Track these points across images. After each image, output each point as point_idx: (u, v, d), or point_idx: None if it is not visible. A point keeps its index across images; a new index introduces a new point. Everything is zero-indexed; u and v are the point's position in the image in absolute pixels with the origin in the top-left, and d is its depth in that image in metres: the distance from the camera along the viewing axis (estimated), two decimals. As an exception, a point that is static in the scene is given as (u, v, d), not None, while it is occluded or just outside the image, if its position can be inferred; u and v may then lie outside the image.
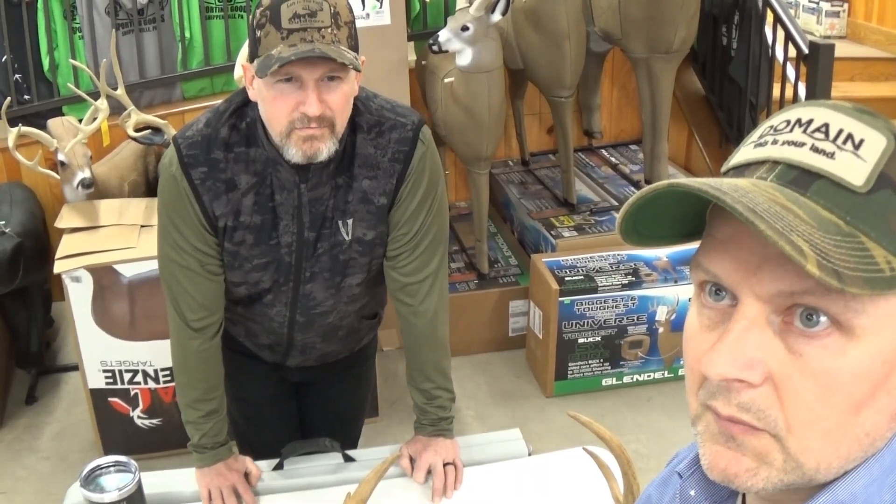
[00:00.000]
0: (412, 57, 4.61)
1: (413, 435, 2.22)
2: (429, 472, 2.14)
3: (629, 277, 4.00)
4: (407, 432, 2.26)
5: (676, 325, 4.02)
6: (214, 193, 1.93)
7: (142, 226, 3.59)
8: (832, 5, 5.70)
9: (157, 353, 3.50)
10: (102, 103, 3.75)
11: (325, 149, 1.84)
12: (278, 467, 2.22)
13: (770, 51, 4.33)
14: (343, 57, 1.74)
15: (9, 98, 4.27)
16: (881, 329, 0.70)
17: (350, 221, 2.00)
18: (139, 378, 3.56)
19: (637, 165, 5.10)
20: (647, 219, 0.79)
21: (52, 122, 3.91)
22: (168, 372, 3.52)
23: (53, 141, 3.73)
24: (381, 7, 3.93)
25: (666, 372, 4.13)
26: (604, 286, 3.96)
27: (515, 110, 5.01)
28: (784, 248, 0.64)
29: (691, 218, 0.79)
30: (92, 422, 3.64)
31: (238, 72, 3.49)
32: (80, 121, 3.84)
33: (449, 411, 2.21)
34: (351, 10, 1.84)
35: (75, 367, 3.76)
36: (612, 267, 4.08)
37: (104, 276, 3.41)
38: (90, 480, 1.92)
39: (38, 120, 4.26)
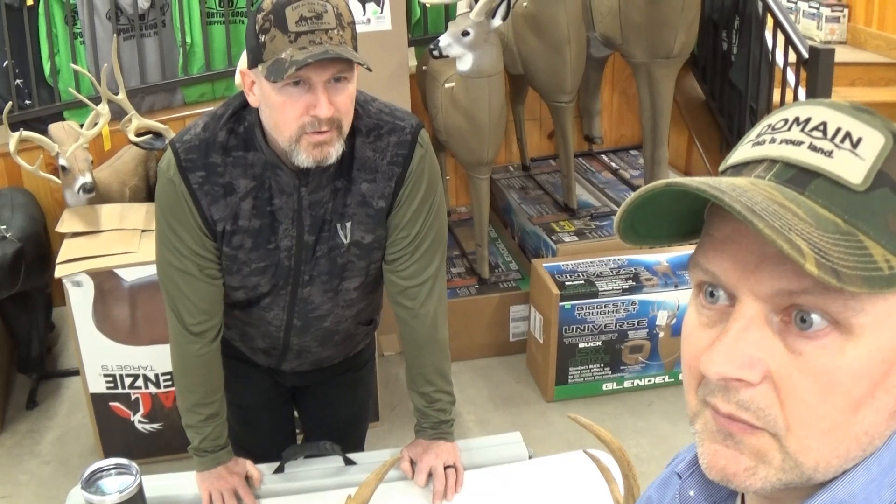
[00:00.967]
0: (413, 62, 4.61)
1: (414, 438, 2.22)
2: (429, 475, 2.14)
3: (630, 282, 4.00)
4: (408, 437, 2.26)
5: (677, 330, 4.02)
6: (213, 197, 1.93)
7: (143, 230, 3.60)
8: (832, 10, 5.70)
9: (157, 358, 3.50)
10: (104, 108, 3.76)
11: (334, 152, 1.84)
12: (279, 470, 2.22)
13: (770, 56, 4.33)
14: (353, 56, 1.75)
15: (10, 103, 4.27)
16: (880, 328, 0.70)
17: (349, 225, 2.00)
18: (140, 382, 3.56)
19: (637, 170, 5.10)
20: (645, 218, 0.79)
21: (54, 127, 3.92)
22: (169, 376, 3.52)
23: (55, 145, 3.73)
24: (381, 12, 3.94)
25: (666, 377, 4.13)
26: (604, 291, 3.96)
27: (516, 115, 5.01)
28: (782, 246, 0.64)
29: (689, 217, 0.79)
30: (93, 426, 3.64)
31: (239, 79, 3.50)
32: (82, 126, 3.85)
33: (449, 414, 2.21)
34: (350, 11, 1.84)
35: (76, 372, 3.77)
36: (612, 272, 4.08)
37: (105, 281, 3.41)
38: (91, 483, 1.92)
39: (40, 125, 4.27)
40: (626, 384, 4.14)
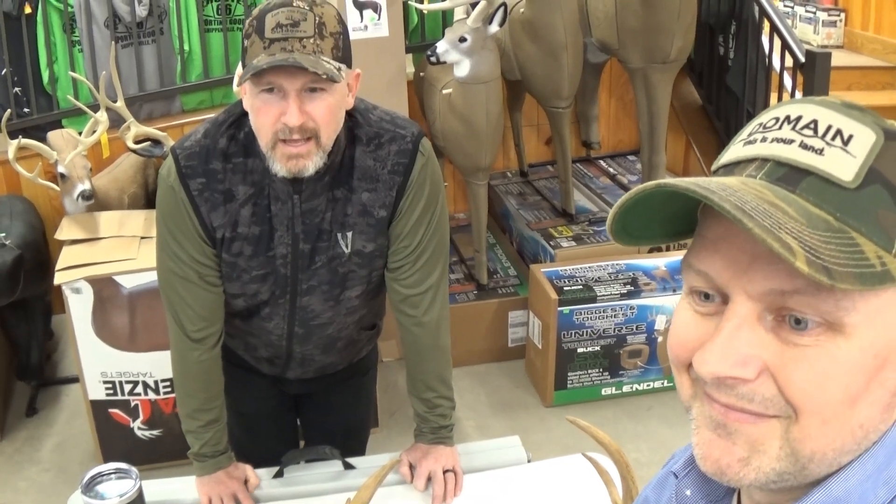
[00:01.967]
0: (410, 69, 4.62)
1: (413, 443, 2.23)
2: (429, 479, 2.14)
3: (628, 287, 4.01)
4: (407, 443, 2.26)
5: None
6: (212, 204, 1.93)
7: (142, 237, 3.60)
8: (829, 15, 5.72)
9: (157, 365, 3.50)
10: (102, 115, 3.77)
11: (312, 164, 1.83)
12: (279, 475, 2.22)
13: (767, 60, 4.34)
14: (318, 67, 1.72)
15: (8, 111, 4.29)
16: (872, 325, 0.70)
17: (349, 234, 1.99)
18: (139, 389, 3.56)
19: (635, 176, 5.11)
20: (637, 219, 0.79)
21: (52, 135, 3.93)
22: (168, 383, 3.53)
23: (53, 153, 3.74)
24: (379, 19, 3.95)
25: (665, 381, 4.13)
26: (602, 296, 3.97)
27: (513, 121, 5.02)
28: (773, 245, 0.64)
29: (682, 217, 0.79)
30: (92, 433, 3.64)
31: (237, 84, 3.51)
32: (80, 133, 3.86)
33: (449, 419, 2.21)
34: (340, 22, 1.82)
35: (76, 379, 3.77)
36: (610, 276, 4.08)
37: (104, 288, 3.42)
38: (91, 487, 1.92)
39: (38, 133, 4.27)
40: (625, 389, 4.15)
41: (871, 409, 0.72)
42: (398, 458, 2.18)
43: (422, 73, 4.39)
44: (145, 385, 3.56)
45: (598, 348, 4.04)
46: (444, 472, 2.14)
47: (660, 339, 4.05)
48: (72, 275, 3.39)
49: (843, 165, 0.70)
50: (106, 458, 3.57)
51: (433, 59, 3.81)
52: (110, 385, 3.54)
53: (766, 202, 0.68)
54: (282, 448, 2.28)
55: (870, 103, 4.44)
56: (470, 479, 2.18)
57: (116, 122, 3.89)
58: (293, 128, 1.77)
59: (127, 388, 3.55)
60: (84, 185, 3.70)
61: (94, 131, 3.80)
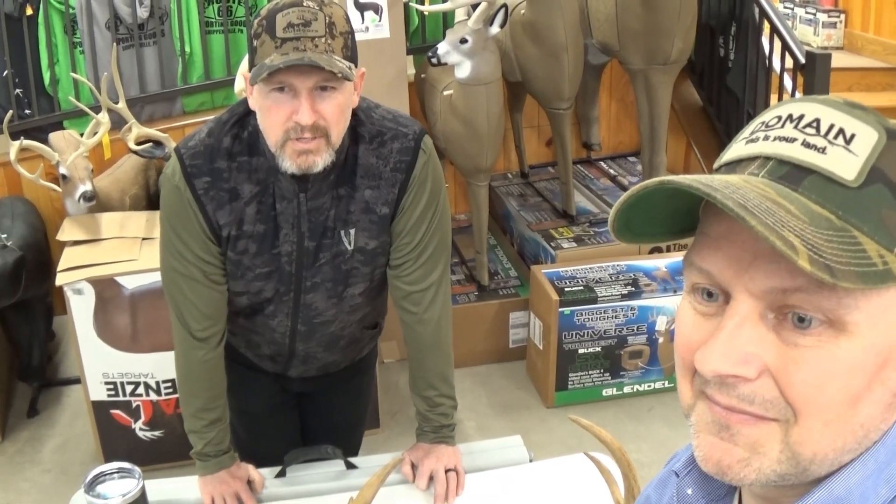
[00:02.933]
0: (411, 70, 4.63)
1: (415, 442, 2.23)
2: (431, 478, 2.15)
3: (629, 288, 4.01)
4: (408, 444, 2.26)
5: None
6: (218, 203, 1.94)
7: (143, 238, 3.61)
8: (829, 16, 5.72)
9: (158, 365, 3.50)
10: (104, 117, 3.77)
11: (321, 161, 1.85)
12: (281, 474, 2.23)
13: (767, 61, 4.35)
14: (333, 66, 1.74)
15: (10, 112, 4.29)
16: (874, 323, 0.70)
17: (352, 231, 2.00)
18: (141, 390, 3.57)
19: (636, 177, 5.12)
20: (639, 217, 0.79)
21: (54, 136, 3.93)
22: (170, 384, 3.53)
23: (55, 154, 3.75)
24: (380, 21, 3.95)
25: (666, 382, 4.14)
26: (603, 297, 3.97)
27: (514, 123, 5.02)
28: (775, 243, 0.64)
29: (684, 214, 0.80)
30: (94, 434, 3.65)
31: (238, 85, 3.52)
32: (82, 135, 3.87)
33: (451, 419, 2.22)
34: (348, 21, 1.84)
35: (77, 380, 3.77)
36: (611, 277, 4.09)
37: (106, 289, 3.42)
38: (93, 487, 1.93)
39: (40, 134, 4.27)
40: (626, 389, 4.15)
41: (873, 408, 0.72)
42: (400, 457, 2.19)
43: (423, 75, 4.39)
44: (147, 386, 3.56)
45: (598, 349, 4.04)
46: (446, 471, 2.14)
47: (660, 339, 4.05)
48: (73, 276, 3.39)
49: (846, 164, 0.70)
50: (107, 459, 3.57)
51: (434, 60, 3.82)
52: (112, 386, 3.54)
53: (768, 200, 0.68)
54: (284, 446, 2.28)
55: (870, 104, 4.46)
56: (472, 478, 2.18)
57: (118, 123, 3.90)
58: (305, 126, 1.79)
59: (128, 388, 3.56)
60: (85, 187, 3.70)
61: (96, 133, 3.80)
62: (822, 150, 0.71)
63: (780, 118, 0.75)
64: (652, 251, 4.32)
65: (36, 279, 3.85)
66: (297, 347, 2.20)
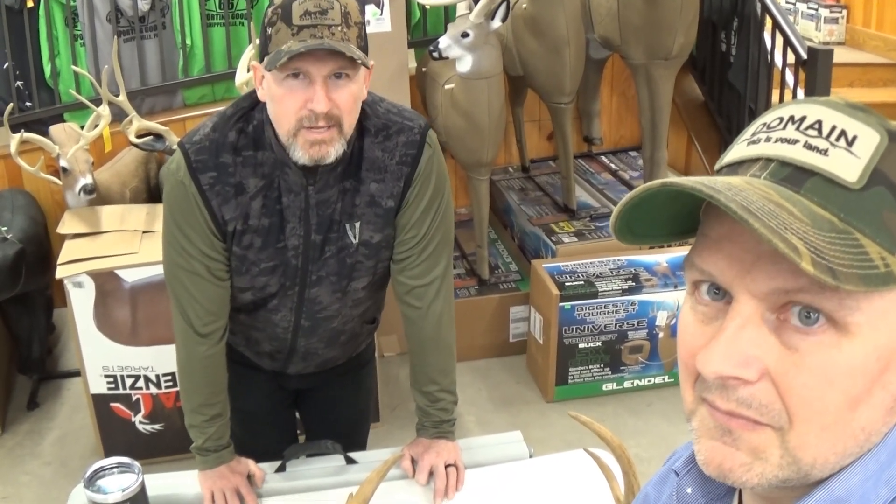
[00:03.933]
0: (412, 64, 4.62)
1: (415, 437, 2.23)
2: (430, 473, 2.15)
3: (629, 282, 4.01)
4: (408, 437, 2.27)
5: (676, 330, 4.03)
6: (223, 198, 1.93)
7: (143, 231, 3.61)
8: (831, 11, 5.72)
9: (158, 359, 3.51)
10: (104, 110, 3.77)
11: (333, 151, 1.85)
12: (281, 469, 2.23)
13: (769, 57, 4.34)
14: (352, 52, 1.75)
15: (11, 105, 4.28)
16: (876, 325, 0.70)
17: (357, 224, 2.00)
18: (141, 383, 3.57)
19: (637, 171, 5.11)
20: (641, 218, 0.79)
21: (54, 129, 3.93)
22: (170, 377, 3.53)
23: (55, 147, 3.74)
24: (381, 14, 3.95)
25: (666, 377, 4.14)
26: (604, 291, 3.97)
27: (515, 117, 5.02)
28: (778, 245, 0.64)
29: (685, 216, 0.79)
30: (94, 427, 3.65)
31: (239, 78, 3.51)
32: (82, 127, 3.87)
33: (451, 414, 2.22)
34: (361, 12, 1.85)
35: (77, 373, 3.78)
36: (612, 272, 4.09)
37: (106, 282, 3.42)
38: (93, 482, 1.93)
39: (40, 127, 4.27)
40: (626, 384, 4.15)
41: (874, 412, 0.72)
42: (400, 452, 2.19)
43: (424, 69, 4.39)
44: (147, 379, 3.56)
45: (599, 344, 4.04)
46: (446, 466, 2.14)
47: (661, 335, 4.06)
48: (73, 269, 3.39)
49: (848, 166, 0.70)
50: (107, 452, 3.58)
51: (435, 54, 3.81)
52: (112, 379, 3.54)
53: (771, 202, 0.68)
54: (282, 444, 2.28)
55: (871, 100, 4.46)
56: (471, 473, 2.18)
57: (118, 116, 3.89)
58: (320, 114, 1.79)
59: (128, 382, 3.56)
60: (86, 179, 3.70)
61: (96, 125, 3.80)
62: (824, 152, 0.71)
63: (781, 119, 0.75)
64: (653, 246, 4.32)
65: (36, 272, 3.85)
66: (299, 343, 2.20)
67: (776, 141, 0.74)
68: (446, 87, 4.03)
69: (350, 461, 2.24)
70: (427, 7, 4.66)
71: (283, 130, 1.84)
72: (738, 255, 0.72)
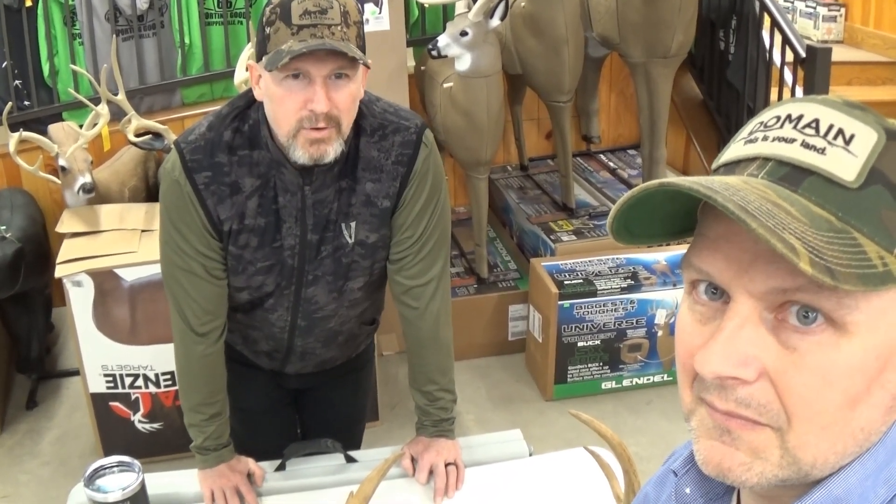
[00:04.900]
0: (411, 62, 4.62)
1: (415, 436, 2.23)
2: (430, 472, 2.15)
3: (628, 281, 4.01)
4: (408, 436, 2.27)
5: (674, 330, 4.03)
6: (219, 197, 1.93)
7: (142, 230, 3.61)
8: (829, 10, 5.71)
9: (158, 358, 3.51)
10: (103, 108, 3.77)
11: (332, 150, 1.84)
12: (280, 468, 2.23)
13: (767, 55, 4.34)
14: (353, 52, 1.75)
15: (9, 104, 4.27)
16: (875, 324, 0.70)
17: (353, 224, 2.00)
18: (140, 382, 3.57)
19: (635, 170, 5.11)
20: (638, 218, 0.79)
21: (53, 128, 3.93)
22: (169, 376, 3.53)
23: (54, 146, 3.74)
24: (380, 13, 3.95)
25: (665, 375, 4.14)
26: (603, 290, 3.97)
27: (514, 115, 5.02)
28: (776, 246, 0.64)
29: (682, 216, 0.79)
30: (93, 426, 3.65)
31: (238, 77, 3.51)
32: (81, 126, 3.86)
33: (451, 413, 2.22)
34: (360, 11, 1.85)
35: (76, 372, 3.77)
36: (611, 270, 4.09)
37: (105, 281, 3.42)
38: (93, 481, 1.93)
39: (39, 126, 4.27)
40: (625, 383, 4.15)
41: (872, 411, 0.72)
42: (400, 451, 2.19)
43: (423, 67, 4.39)
44: (146, 378, 3.56)
45: (598, 342, 4.04)
46: (446, 465, 2.15)
47: (660, 333, 4.06)
48: (72, 268, 3.39)
49: (845, 165, 0.70)
50: (106, 452, 3.58)
51: (434, 52, 3.81)
52: (111, 378, 3.54)
53: (769, 202, 0.68)
54: (281, 443, 2.28)
55: (870, 98, 4.46)
56: (471, 472, 2.19)
57: (117, 115, 3.89)
58: (320, 115, 1.78)
59: (127, 381, 3.56)
60: (85, 178, 3.70)
61: (95, 124, 3.80)
62: (822, 151, 0.71)
63: (778, 118, 0.75)
64: (651, 245, 4.32)
65: (35, 271, 3.84)
66: (296, 343, 2.20)
67: (773, 140, 0.74)
68: (445, 85, 4.03)
69: (350, 460, 2.24)
70: (426, 6, 4.66)
71: (283, 131, 1.84)
72: (736, 255, 0.72)
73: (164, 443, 3.61)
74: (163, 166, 2.01)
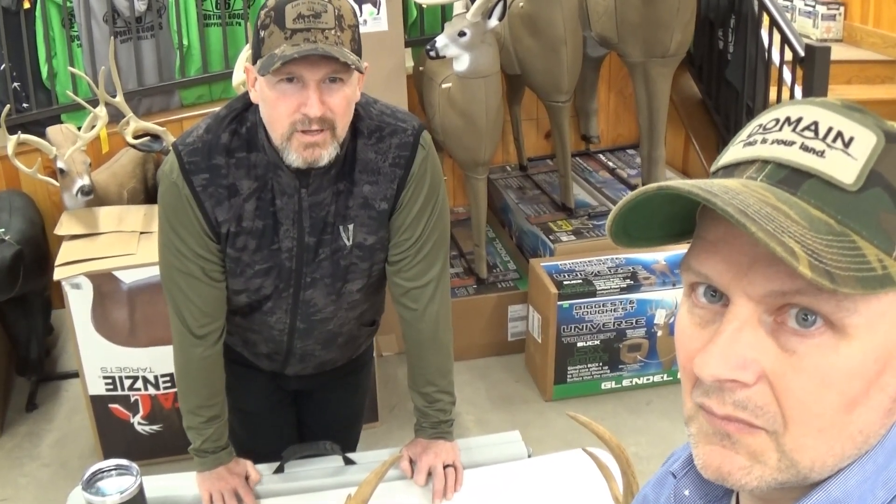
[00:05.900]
0: (410, 63, 4.62)
1: (413, 438, 2.23)
2: (429, 474, 2.15)
3: (627, 281, 4.01)
4: (407, 437, 2.27)
5: (674, 333, 4.02)
6: (217, 200, 1.93)
7: (141, 232, 3.60)
8: (828, 8, 5.71)
9: (157, 360, 3.50)
10: (101, 111, 3.76)
11: (327, 154, 1.84)
12: (279, 470, 2.23)
13: (766, 54, 4.34)
14: (346, 57, 1.74)
15: (7, 106, 4.27)
16: (874, 327, 0.69)
17: (351, 227, 2.00)
18: (139, 384, 3.57)
19: (634, 170, 5.11)
20: (637, 221, 0.79)
21: (51, 130, 3.92)
22: (168, 378, 3.53)
23: (52, 148, 3.74)
24: (378, 14, 3.95)
25: (665, 375, 4.14)
26: (602, 290, 3.97)
27: (513, 115, 5.02)
28: (776, 249, 0.64)
29: (681, 219, 0.79)
30: (92, 428, 3.65)
31: (236, 78, 3.50)
32: (79, 128, 3.86)
33: (449, 414, 2.22)
34: (355, 15, 1.84)
35: (75, 374, 3.77)
36: (610, 271, 4.09)
37: (104, 283, 3.42)
38: (91, 484, 1.93)
39: (37, 128, 4.28)
40: (625, 383, 4.15)
41: (871, 414, 0.72)
42: (398, 453, 2.18)
43: (421, 68, 4.39)
44: (145, 380, 3.56)
45: (597, 342, 4.04)
46: (445, 466, 2.15)
47: (659, 333, 4.06)
48: (71, 270, 3.39)
49: (845, 168, 0.70)
50: (106, 454, 3.58)
51: (432, 53, 3.81)
52: (110, 380, 3.54)
53: (768, 205, 0.68)
54: (281, 445, 2.28)
55: (869, 97, 4.44)
56: (470, 474, 2.18)
57: (115, 116, 3.88)
58: (313, 118, 1.78)
59: (127, 383, 3.55)
60: (83, 181, 3.70)
61: (94, 126, 3.79)
62: (821, 154, 0.71)
63: (777, 121, 0.75)
64: (644, 247, 4.30)
65: (34, 273, 3.84)
66: (295, 345, 2.20)
67: (772, 143, 0.73)
68: (443, 86, 4.03)
69: (348, 462, 2.24)
70: (424, 6, 4.65)
71: (277, 134, 1.84)
72: (735, 258, 0.72)
73: (164, 445, 3.61)
74: (161, 168, 2.01)
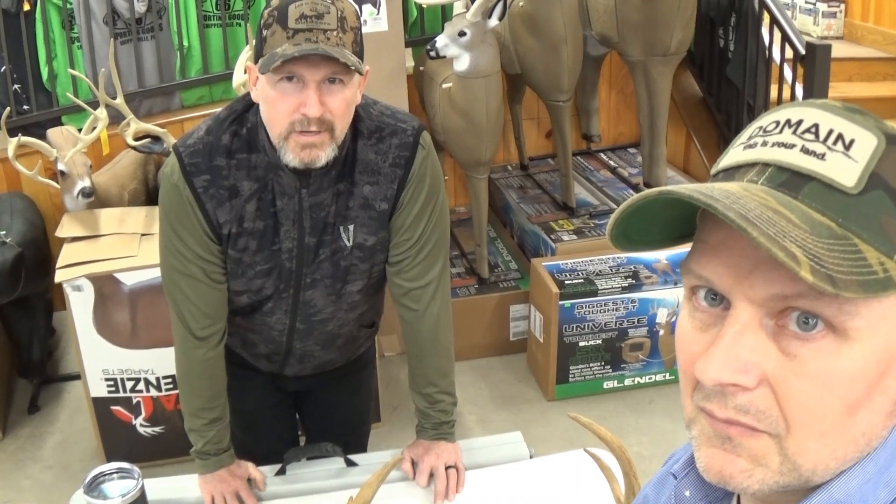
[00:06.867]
0: (410, 63, 4.62)
1: (415, 439, 2.23)
2: (431, 475, 2.15)
3: (629, 280, 4.01)
4: (409, 437, 2.27)
5: (675, 337, 4.02)
6: (218, 201, 1.93)
7: (142, 234, 3.60)
8: (829, 6, 5.71)
9: (158, 361, 3.50)
10: (102, 112, 3.76)
11: (324, 155, 1.84)
12: (281, 472, 2.23)
13: (767, 52, 4.33)
14: (346, 58, 1.74)
15: (8, 108, 4.28)
16: (875, 330, 0.69)
17: (351, 227, 2.00)
18: (141, 386, 3.56)
19: (636, 168, 5.10)
20: (637, 224, 0.78)
21: (52, 132, 3.92)
22: (170, 380, 3.53)
23: (53, 150, 3.74)
24: (378, 14, 3.94)
25: (667, 374, 4.14)
26: (604, 289, 3.96)
27: (513, 115, 5.02)
28: (777, 254, 0.64)
29: (681, 222, 0.79)
30: (94, 430, 3.65)
31: (237, 79, 3.51)
32: (80, 130, 3.86)
33: (451, 415, 2.22)
34: (358, 17, 1.84)
35: (77, 376, 3.78)
36: (611, 270, 4.08)
37: (105, 285, 3.42)
38: (93, 487, 1.93)
39: (38, 130, 4.28)
40: (627, 382, 4.15)
41: (873, 417, 0.72)
42: (400, 455, 2.18)
43: (421, 68, 4.38)
44: (147, 382, 3.56)
45: (599, 342, 4.04)
46: (446, 468, 2.14)
47: (661, 332, 4.05)
48: (73, 272, 3.39)
49: (845, 170, 0.70)
50: (108, 456, 3.58)
51: (432, 53, 3.81)
52: (112, 382, 3.54)
53: (769, 209, 0.67)
54: (282, 446, 2.28)
55: (870, 94, 4.42)
56: (472, 475, 2.18)
57: (116, 118, 3.88)
58: (312, 119, 1.78)
59: (129, 385, 3.55)
60: (84, 183, 3.70)
61: (94, 128, 3.79)
62: (822, 157, 0.70)
63: (778, 123, 0.74)
64: (645, 250, 4.30)
65: (35, 276, 3.84)
66: (295, 345, 2.19)
67: (773, 145, 0.73)
68: (444, 86, 4.03)
69: (350, 464, 2.24)
70: (424, 6, 4.65)
71: (275, 133, 1.84)
72: (736, 262, 0.72)
73: (166, 446, 3.61)
74: (162, 170, 2.01)
